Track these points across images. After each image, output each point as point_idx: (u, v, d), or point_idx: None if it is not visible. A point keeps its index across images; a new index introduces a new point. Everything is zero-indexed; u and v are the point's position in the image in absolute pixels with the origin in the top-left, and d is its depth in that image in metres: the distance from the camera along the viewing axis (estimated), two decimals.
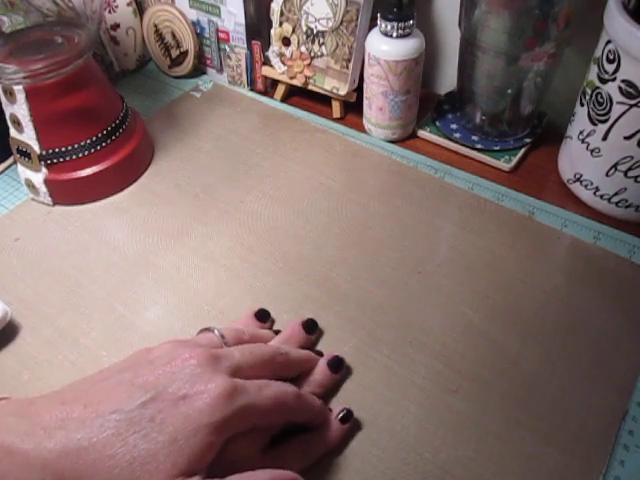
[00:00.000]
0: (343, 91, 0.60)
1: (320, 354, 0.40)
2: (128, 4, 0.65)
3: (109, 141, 0.52)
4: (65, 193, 0.52)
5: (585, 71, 0.48)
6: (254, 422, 0.31)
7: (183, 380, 0.29)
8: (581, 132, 0.49)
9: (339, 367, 0.39)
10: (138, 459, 0.27)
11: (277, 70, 0.63)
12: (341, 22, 0.56)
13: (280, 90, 0.64)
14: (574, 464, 0.35)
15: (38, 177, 0.51)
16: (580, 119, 0.49)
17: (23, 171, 0.52)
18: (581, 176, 0.51)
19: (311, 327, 0.41)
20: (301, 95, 0.65)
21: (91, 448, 0.27)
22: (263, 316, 0.42)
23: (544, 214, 0.51)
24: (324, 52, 0.59)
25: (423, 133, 0.60)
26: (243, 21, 0.61)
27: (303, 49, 0.60)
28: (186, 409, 0.28)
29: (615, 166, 0.47)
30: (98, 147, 0.51)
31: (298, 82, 0.62)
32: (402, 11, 0.51)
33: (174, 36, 0.65)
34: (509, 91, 0.53)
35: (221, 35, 0.64)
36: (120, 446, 0.27)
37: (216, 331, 0.36)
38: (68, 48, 0.49)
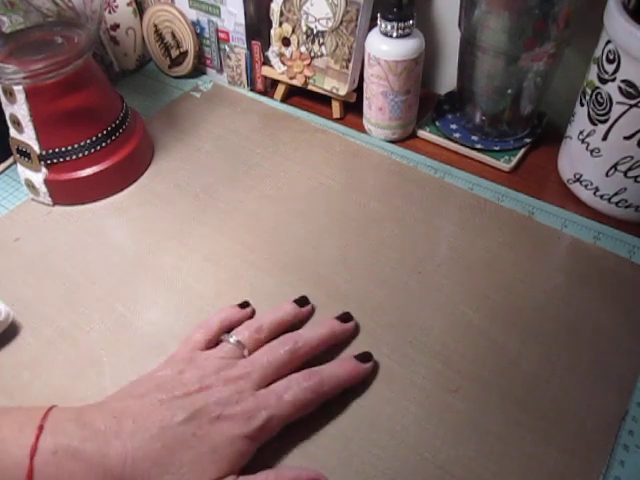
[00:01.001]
0: (343, 91, 0.60)
1: (346, 318, 0.41)
2: (128, 4, 0.65)
3: (109, 141, 0.52)
4: (65, 193, 0.52)
5: (585, 71, 0.48)
6: (279, 428, 0.35)
7: (215, 403, 0.33)
8: (581, 132, 0.49)
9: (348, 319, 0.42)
10: (185, 466, 0.31)
11: (277, 70, 0.63)
12: (341, 22, 0.56)
13: (280, 90, 0.64)
14: (574, 464, 0.35)
15: (38, 177, 0.51)
16: (580, 119, 0.49)
17: (23, 171, 0.52)
18: (581, 176, 0.51)
19: (302, 302, 0.43)
20: (301, 95, 0.65)
21: (145, 457, 0.31)
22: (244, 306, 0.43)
23: (544, 214, 0.51)
24: (324, 52, 0.59)
25: (423, 133, 0.60)
26: (243, 21, 0.61)
27: (303, 49, 0.60)
28: (220, 426, 0.33)
29: (615, 166, 0.47)
30: (98, 147, 0.51)
31: (298, 82, 0.62)
32: (402, 11, 0.51)
33: (174, 36, 0.65)
34: (509, 91, 0.53)
35: (221, 35, 0.64)
36: (169, 456, 0.31)
37: (232, 340, 0.38)
38: (68, 48, 0.49)
